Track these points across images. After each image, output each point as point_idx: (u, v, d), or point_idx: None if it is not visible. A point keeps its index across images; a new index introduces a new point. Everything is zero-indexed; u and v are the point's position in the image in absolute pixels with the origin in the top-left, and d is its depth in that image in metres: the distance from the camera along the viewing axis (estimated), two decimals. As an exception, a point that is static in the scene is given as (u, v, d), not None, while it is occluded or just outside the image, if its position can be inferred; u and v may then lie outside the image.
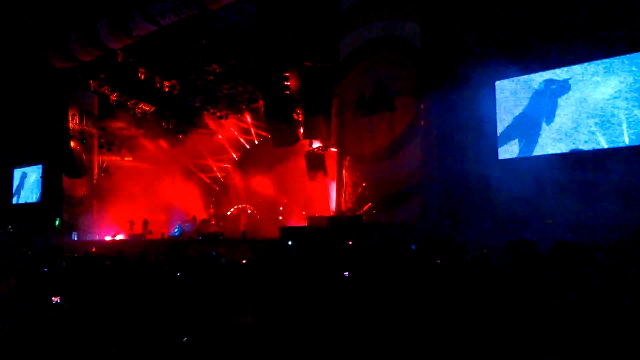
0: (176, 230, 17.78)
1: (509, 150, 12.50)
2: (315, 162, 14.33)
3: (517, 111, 12.39)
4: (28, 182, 24.49)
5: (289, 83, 13.29)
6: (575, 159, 11.32)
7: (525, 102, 12.29)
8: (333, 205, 14.29)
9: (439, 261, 5.74)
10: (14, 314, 3.30)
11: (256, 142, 19.49)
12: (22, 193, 24.77)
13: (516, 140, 12.39)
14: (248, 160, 20.02)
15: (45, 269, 7.54)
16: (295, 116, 14.70)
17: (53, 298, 3.72)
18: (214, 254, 6.50)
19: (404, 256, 8.08)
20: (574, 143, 11.45)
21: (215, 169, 21.06)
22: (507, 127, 12.52)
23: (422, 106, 12.15)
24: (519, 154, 12.34)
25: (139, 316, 3.50)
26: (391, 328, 2.53)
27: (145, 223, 18.17)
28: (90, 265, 7.89)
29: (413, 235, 9.54)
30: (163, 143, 20.18)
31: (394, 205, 12.34)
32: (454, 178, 12.35)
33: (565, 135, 11.60)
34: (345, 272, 5.42)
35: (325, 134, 13.48)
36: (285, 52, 12.97)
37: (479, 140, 12.48)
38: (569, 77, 11.64)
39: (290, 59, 13.06)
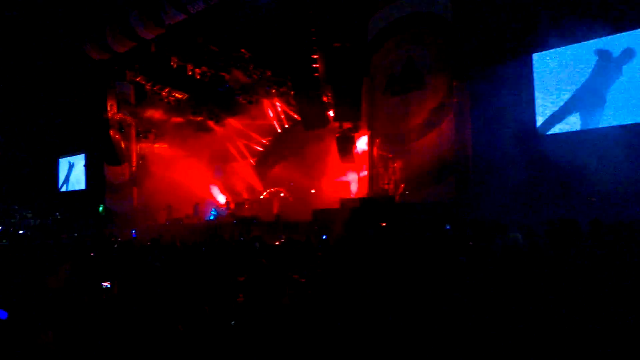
0: (212, 214, 18.24)
1: (553, 125, 11.97)
2: (346, 144, 14.32)
3: (562, 84, 11.82)
4: (74, 171, 25.53)
5: (317, 65, 13.27)
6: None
7: (573, 74, 11.64)
8: (364, 187, 14.30)
9: (471, 243, 5.71)
10: (67, 299, 3.52)
11: (287, 126, 19.59)
12: (69, 181, 25.85)
13: (563, 114, 11.82)
14: (280, 144, 20.17)
15: (93, 254, 7.95)
16: (325, 98, 14.68)
17: (103, 283, 3.89)
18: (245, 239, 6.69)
19: (438, 237, 8.08)
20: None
21: (247, 153, 21.35)
22: (552, 101, 12.00)
23: (454, 83, 11.87)
24: (565, 128, 11.77)
25: (181, 298, 3.66)
26: (424, 311, 2.58)
27: (195, 207, 18.74)
28: (133, 250, 8.26)
29: (447, 216, 9.47)
30: (196, 130, 20.52)
31: (427, 185, 12.24)
32: (490, 156, 12.02)
33: (628, 106, 10.78)
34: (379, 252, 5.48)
35: (356, 115, 13.41)
36: (313, 34, 12.92)
37: (517, 116, 12.09)
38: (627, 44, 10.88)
39: (319, 40, 13.00)
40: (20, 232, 21.00)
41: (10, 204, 27.89)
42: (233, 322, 3.08)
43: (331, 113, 14.59)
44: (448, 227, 8.75)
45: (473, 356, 2.17)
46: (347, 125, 14.20)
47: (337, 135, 14.30)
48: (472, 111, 12.30)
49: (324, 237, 8.87)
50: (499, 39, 11.89)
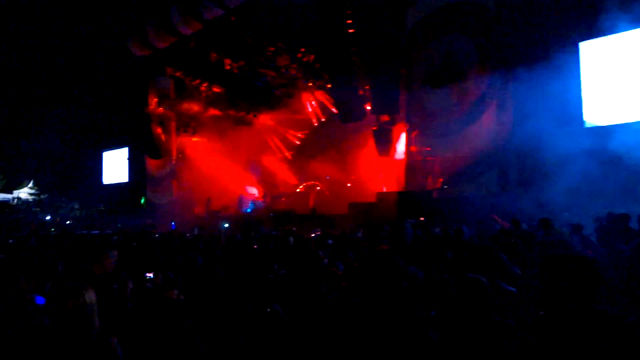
0: (249, 207, 18.47)
1: (602, 116, 11.34)
2: (384, 138, 14.13)
3: (612, 73, 11.16)
4: (117, 164, 26.40)
5: (355, 58, 13.14)
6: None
7: (623, 62, 10.96)
8: (401, 181, 14.11)
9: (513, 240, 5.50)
10: (112, 286, 3.61)
11: (323, 119, 19.56)
12: (113, 174, 26.78)
13: (613, 105, 11.15)
14: (316, 138, 20.18)
15: (135, 244, 8.19)
16: (362, 91, 14.55)
17: (147, 273, 3.96)
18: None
19: (479, 232, 7.86)
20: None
21: (284, 147, 21.49)
22: (600, 91, 11.36)
23: (496, 74, 11.49)
24: (616, 119, 11.12)
25: (221, 288, 3.69)
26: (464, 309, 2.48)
27: (240, 198, 19.04)
28: (175, 241, 8.44)
29: (488, 210, 9.21)
30: (234, 123, 20.80)
31: (467, 179, 11.97)
32: (533, 149, 11.53)
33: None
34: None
35: (394, 108, 13.20)
36: (351, 26, 12.78)
37: (562, 108, 11.54)
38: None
39: (357, 32, 12.86)
40: (68, 222, 21.94)
41: (59, 196, 29.26)
42: (269, 310, 3.08)
43: (368, 107, 14.44)
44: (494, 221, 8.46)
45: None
46: (384, 118, 14.01)
47: (374, 128, 14.14)
48: (515, 103, 11.83)
49: (359, 233, 8.77)
50: (543, 28, 11.38)
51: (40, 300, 3.06)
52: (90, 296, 2.33)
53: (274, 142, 21.47)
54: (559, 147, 10.37)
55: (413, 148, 13.65)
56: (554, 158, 10.48)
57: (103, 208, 25.81)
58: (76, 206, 29.00)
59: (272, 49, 16.16)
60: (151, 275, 3.89)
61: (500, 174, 11.42)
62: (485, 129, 11.67)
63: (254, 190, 20.36)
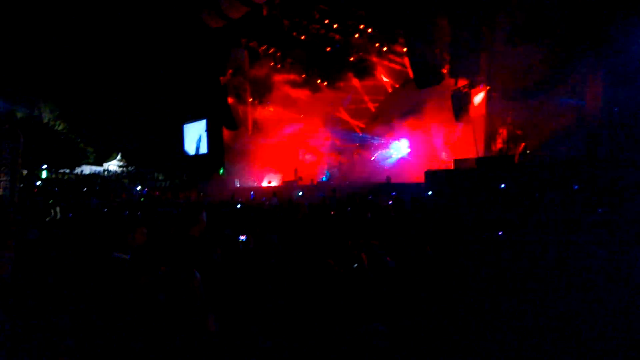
0: (325, 176, 18.71)
1: None
2: (462, 102, 13.55)
3: None
4: (197, 136, 27.68)
5: (434, 19, 12.56)
6: None
7: None
8: (481, 147, 13.56)
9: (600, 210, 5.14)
10: (206, 248, 3.84)
11: (397, 86, 19.08)
12: (193, 146, 28.16)
13: None
14: (390, 105, 19.79)
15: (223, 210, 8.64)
16: (440, 54, 13.94)
17: (240, 236, 4.16)
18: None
19: (564, 198, 7.43)
20: None
21: (355, 117, 21.31)
22: None
23: (586, 32, 10.49)
24: None
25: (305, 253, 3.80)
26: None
27: (296, 171, 19.46)
28: (254, 210, 8.82)
29: (575, 176, 8.66)
30: (308, 91, 20.86)
31: (551, 143, 11.28)
32: (625, 114, 10.55)
33: None
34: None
35: (474, 69, 12.56)
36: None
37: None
38: None
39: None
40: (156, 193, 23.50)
41: (144, 167, 31.39)
42: (356, 265, 3.15)
43: (446, 68, 13.85)
44: (576, 187, 7.97)
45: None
46: (462, 81, 13.41)
47: (452, 92, 13.59)
48: (606, 64, 10.78)
49: (429, 193, 8.60)
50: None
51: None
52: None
53: (347, 110, 21.29)
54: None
55: (493, 111, 13.02)
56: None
57: (185, 179, 27.29)
58: (161, 177, 30.96)
59: (347, 13, 15.89)
60: (244, 238, 4.08)
61: (588, 140, 10.57)
62: (572, 91, 10.86)
63: (331, 160, 20.48)
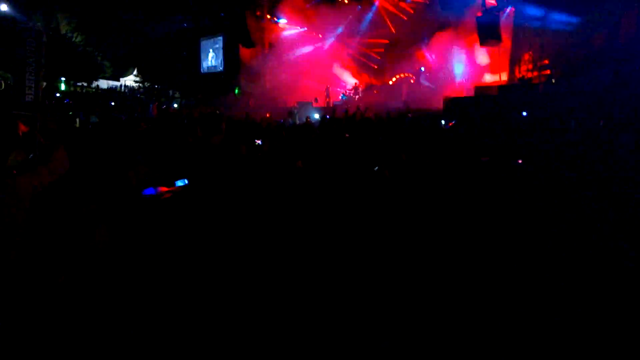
0: (341, 97, 18.53)
1: None
2: (489, 26, 12.95)
3: None
4: (213, 52, 27.08)
5: None
6: None
7: None
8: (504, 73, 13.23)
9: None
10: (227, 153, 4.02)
11: (412, 11, 18.17)
12: (209, 62, 27.66)
13: None
14: (407, 30, 18.90)
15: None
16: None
17: (256, 140, 4.38)
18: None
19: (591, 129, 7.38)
20: None
21: (373, 42, 20.57)
22: None
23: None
24: None
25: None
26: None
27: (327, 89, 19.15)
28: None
29: (601, 108, 8.52)
30: (326, 9, 19.95)
31: (578, 72, 10.95)
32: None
33: None
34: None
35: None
36: None
37: None
38: None
39: None
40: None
41: (160, 84, 31.15)
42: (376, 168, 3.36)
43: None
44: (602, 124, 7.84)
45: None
46: (490, 2, 12.78)
47: (478, 14, 13.00)
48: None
49: (443, 122, 8.57)
50: None
51: (150, 191, 3.47)
52: None
53: (368, 29, 20.41)
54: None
55: (519, 36, 12.57)
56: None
57: (200, 97, 27.11)
58: (177, 94, 30.78)
59: None
60: (260, 142, 4.28)
61: (616, 70, 10.25)
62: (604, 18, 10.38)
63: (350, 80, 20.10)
